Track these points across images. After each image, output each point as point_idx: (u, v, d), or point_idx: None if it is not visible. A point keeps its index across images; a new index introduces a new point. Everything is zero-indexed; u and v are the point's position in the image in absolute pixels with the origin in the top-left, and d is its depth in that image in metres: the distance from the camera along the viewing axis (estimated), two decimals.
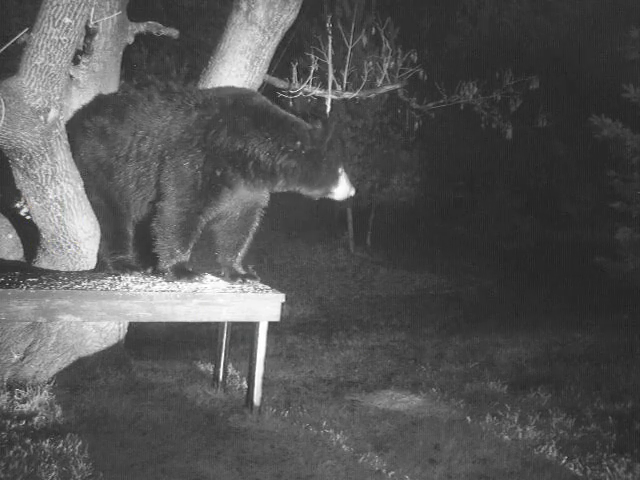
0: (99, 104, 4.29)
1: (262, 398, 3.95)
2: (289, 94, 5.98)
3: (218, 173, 3.92)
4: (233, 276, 4.20)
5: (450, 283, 11.46)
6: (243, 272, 4.27)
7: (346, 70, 6.39)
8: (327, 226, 14.15)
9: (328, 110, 6.27)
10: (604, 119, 7.70)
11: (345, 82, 6.41)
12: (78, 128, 4.18)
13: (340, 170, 4.07)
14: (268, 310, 3.90)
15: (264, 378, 3.97)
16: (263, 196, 4.26)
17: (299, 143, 3.92)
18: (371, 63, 7.00)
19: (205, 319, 3.88)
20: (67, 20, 3.57)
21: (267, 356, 4.01)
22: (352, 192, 4.16)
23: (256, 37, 4.57)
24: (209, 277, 4.22)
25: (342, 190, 4.11)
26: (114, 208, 4.23)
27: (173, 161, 3.93)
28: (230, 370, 4.67)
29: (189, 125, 3.94)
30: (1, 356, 4.22)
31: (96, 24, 4.06)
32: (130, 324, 4.70)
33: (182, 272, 4.03)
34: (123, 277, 4.05)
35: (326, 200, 4.29)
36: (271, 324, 3.96)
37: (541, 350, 5.99)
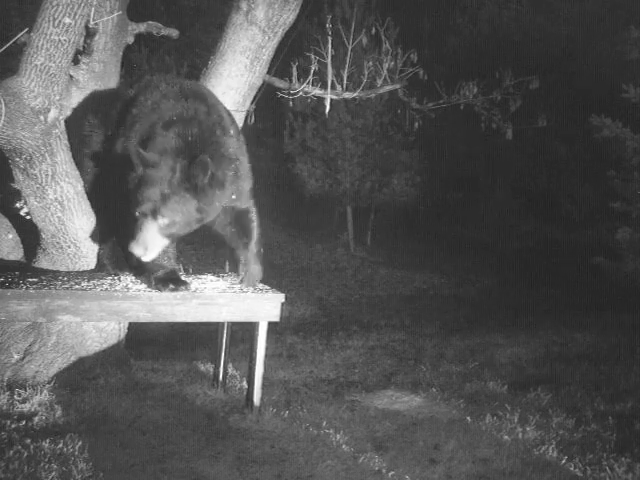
0: None
1: (262, 398, 3.94)
2: (289, 94, 5.98)
3: None
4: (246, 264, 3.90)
5: (450, 283, 11.47)
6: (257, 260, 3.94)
7: (346, 70, 6.39)
8: (327, 226, 14.15)
9: (327, 110, 6.27)
10: (604, 119, 7.71)
11: (345, 82, 6.41)
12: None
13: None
14: (268, 310, 3.90)
15: (264, 378, 3.97)
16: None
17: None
18: (371, 63, 7.00)
19: (205, 319, 3.87)
20: (67, 20, 3.57)
21: (267, 356, 4.00)
22: (147, 257, 3.34)
23: (256, 37, 4.57)
24: (209, 277, 4.22)
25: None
26: None
27: None
28: (230, 370, 4.67)
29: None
30: (1, 356, 4.22)
31: (96, 24, 4.05)
32: (130, 324, 4.70)
33: (166, 282, 3.72)
34: (123, 277, 4.04)
35: (326, 200, 4.24)
36: (271, 324, 3.95)
37: (541, 350, 5.99)
